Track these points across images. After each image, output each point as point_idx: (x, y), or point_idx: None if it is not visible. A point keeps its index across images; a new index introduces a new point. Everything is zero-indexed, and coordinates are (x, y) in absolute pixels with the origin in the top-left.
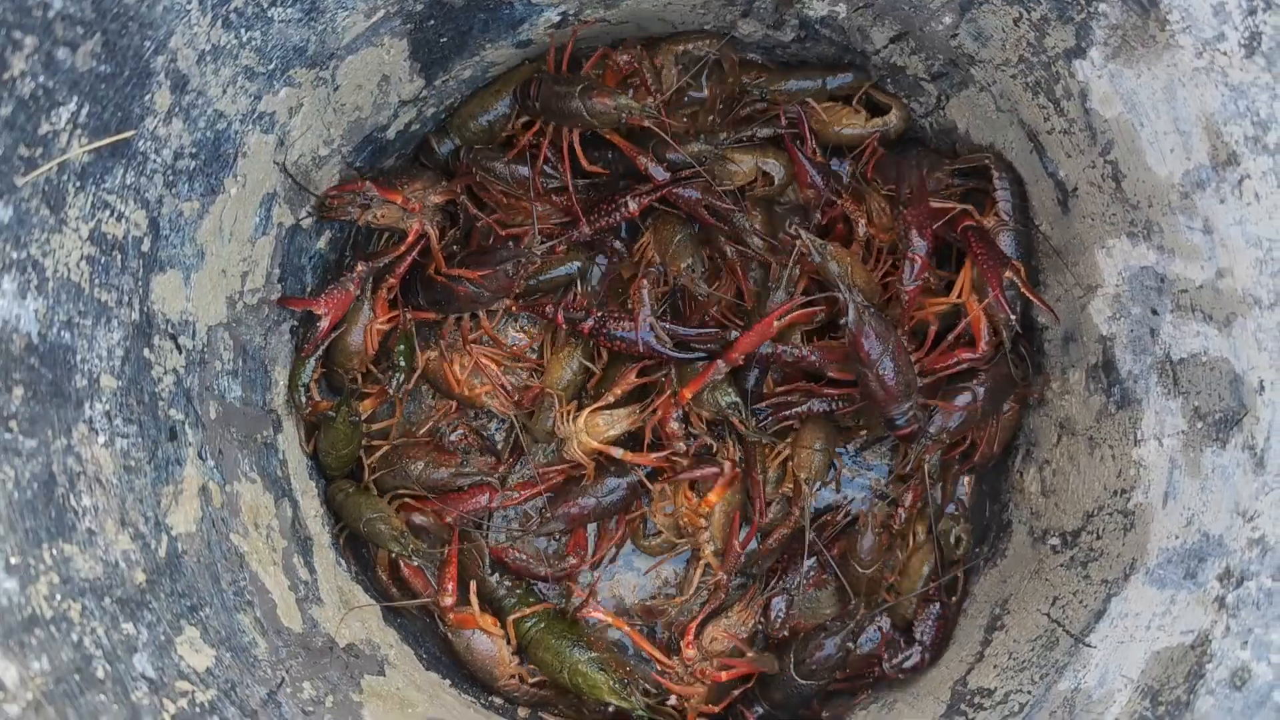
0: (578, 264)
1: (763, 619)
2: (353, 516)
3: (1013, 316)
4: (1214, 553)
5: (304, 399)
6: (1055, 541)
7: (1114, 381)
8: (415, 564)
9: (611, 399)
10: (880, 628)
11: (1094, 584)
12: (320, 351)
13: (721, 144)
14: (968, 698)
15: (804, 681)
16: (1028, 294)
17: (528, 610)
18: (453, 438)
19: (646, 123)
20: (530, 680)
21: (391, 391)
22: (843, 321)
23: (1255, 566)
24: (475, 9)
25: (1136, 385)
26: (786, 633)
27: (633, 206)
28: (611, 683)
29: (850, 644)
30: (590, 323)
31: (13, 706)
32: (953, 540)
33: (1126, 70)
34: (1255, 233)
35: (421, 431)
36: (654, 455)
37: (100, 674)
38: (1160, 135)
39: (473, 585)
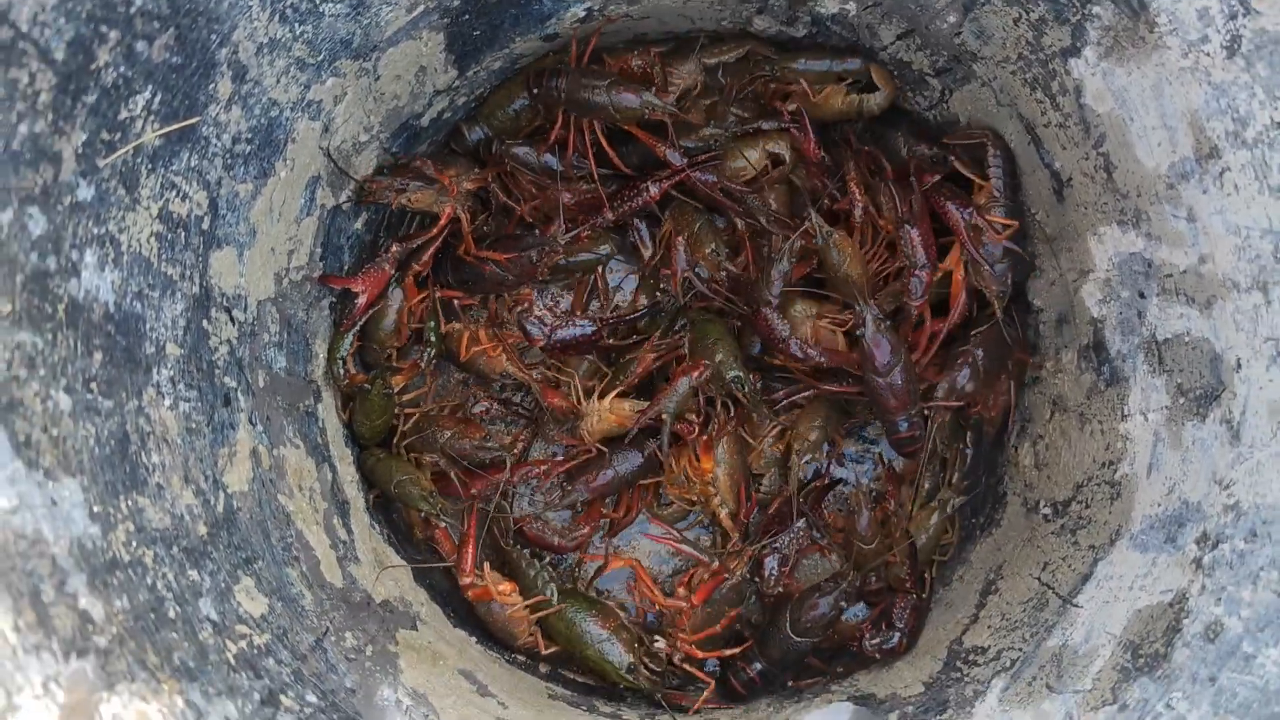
0: (606, 247)
1: (758, 577)
2: (384, 479)
3: (995, 283)
4: (1192, 518)
5: (341, 371)
6: (1047, 511)
7: (1103, 360)
8: (443, 525)
9: (633, 380)
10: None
11: (1082, 549)
12: (357, 327)
13: (731, 127)
14: (963, 655)
15: (799, 639)
16: (996, 239)
17: (544, 601)
18: (476, 409)
19: (665, 118)
20: (546, 648)
21: (422, 365)
22: (860, 333)
23: (1230, 530)
24: (507, 4)
25: (1124, 364)
26: (781, 589)
27: (653, 191)
28: (620, 669)
29: (843, 603)
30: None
31: (101, 638)
32: (949, 509)
33: (1118, 69)
34: (1234, 221)
35: (451, 403)
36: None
37: (171, 614)
38: (1148, 130)
39: (486, 566)
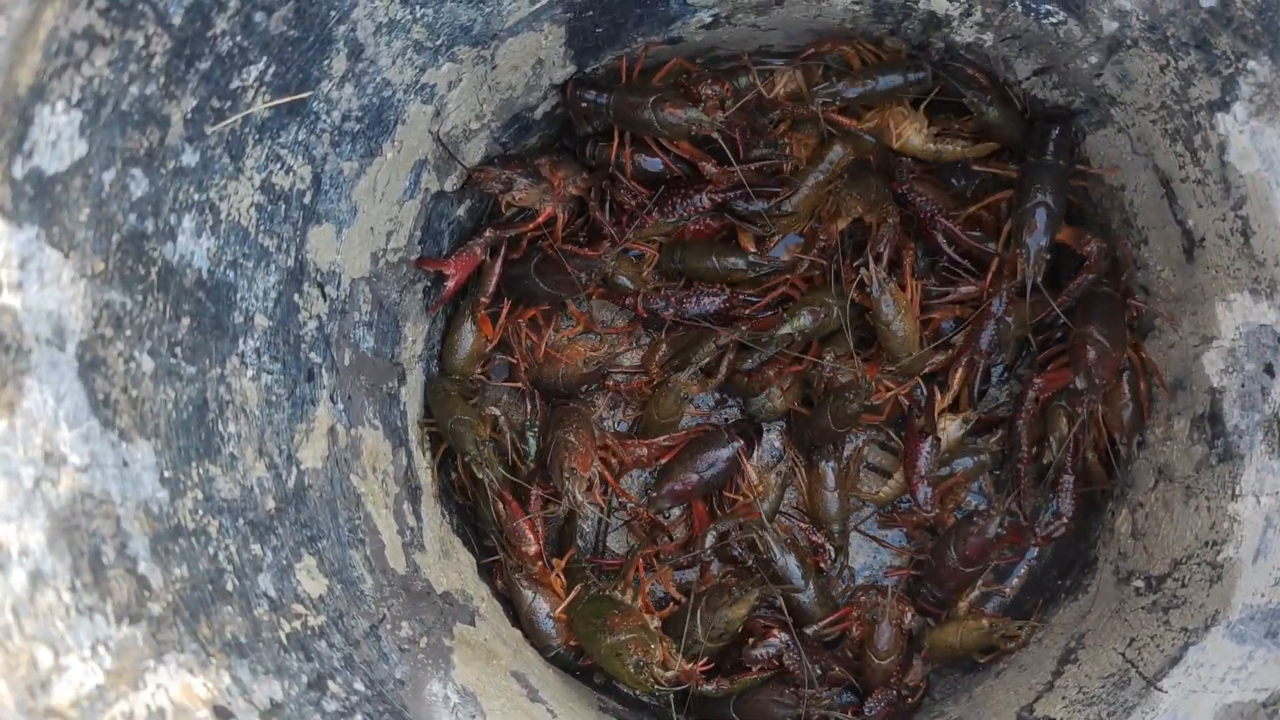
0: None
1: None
2: (444, 412)
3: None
4: None
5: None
6: (1139, 584)
7: (1218, 434)
8: (479, 476)
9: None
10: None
11: (1173, 630)
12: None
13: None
14: None
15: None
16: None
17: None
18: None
19: (714, 134)
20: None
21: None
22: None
23: None
24: (633, 3)
25: (1241, 440)
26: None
27: (704, 202)
28: (630, 669)
29: None
30: (670, 311)
31: (155, 606)
32: (997, 637)
33: (1268, 129)
34: None
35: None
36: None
37: (229, 587)
38: None
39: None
